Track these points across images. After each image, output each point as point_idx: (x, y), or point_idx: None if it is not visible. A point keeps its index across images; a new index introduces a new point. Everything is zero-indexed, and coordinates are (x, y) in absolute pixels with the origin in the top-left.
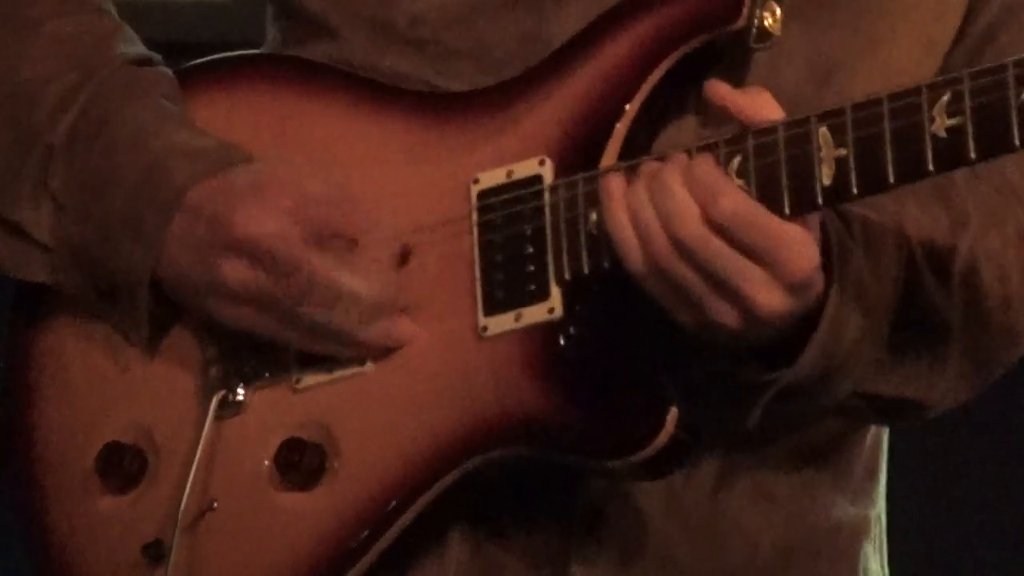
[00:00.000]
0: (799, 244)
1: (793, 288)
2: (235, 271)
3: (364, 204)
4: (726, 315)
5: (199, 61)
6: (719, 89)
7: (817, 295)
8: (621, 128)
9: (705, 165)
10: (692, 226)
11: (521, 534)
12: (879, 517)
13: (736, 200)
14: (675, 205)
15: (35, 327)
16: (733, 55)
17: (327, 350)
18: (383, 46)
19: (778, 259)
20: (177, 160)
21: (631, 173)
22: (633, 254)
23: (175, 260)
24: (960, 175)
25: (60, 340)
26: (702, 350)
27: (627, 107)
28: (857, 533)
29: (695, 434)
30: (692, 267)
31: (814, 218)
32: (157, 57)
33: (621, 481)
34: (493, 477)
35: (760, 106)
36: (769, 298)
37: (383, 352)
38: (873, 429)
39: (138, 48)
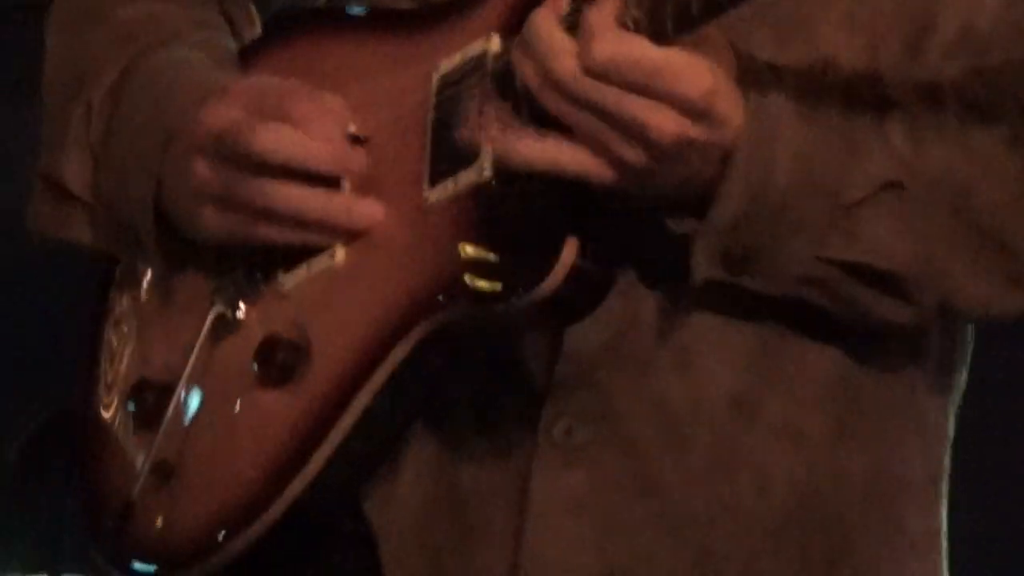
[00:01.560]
0: (684, 67)
1: (690, 112)
2: (203, 167)
3: (319, 91)
4: (630, 153)
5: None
6: None
7: (729, 133)
8: None
9: (595, 11)
10: (565, 66)
11: (486, 448)
12: (934, 479)
13: (609, 43)
14: (548, 46)
15: (99, 317)
16: None
17: (294, 238)
18: None
19: (663, 87)
20: (182, 96)
21: None
22: (532, 93)
23: (169, 183)
24: None
25: (114, 317)
26: (620, 200)
27: None
28: (899, 490)
29: (602, 269)
30: (580, 107)
31: (725, 54)
32: (214, 32)
33: (540, 327)
34: (447, 365)
35: None
36: (664, 122)
37: (349, 240)
38: (933, 382)
39: (193, 26)
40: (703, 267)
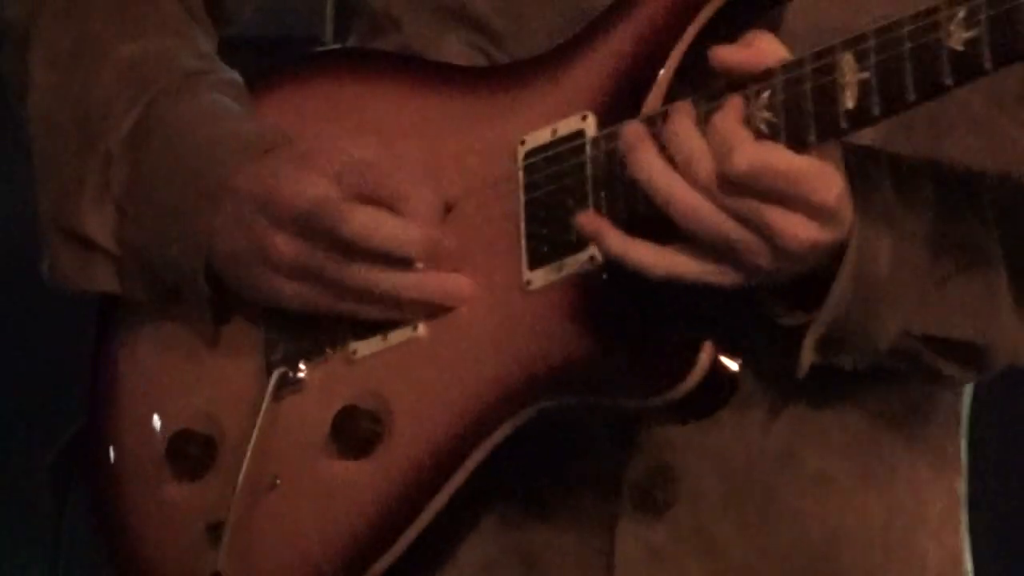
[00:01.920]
0: (820, 175)
1: (821, 216)
2: (284, 242)
3: (406, 163)
4: (759, 259)
5: (271, 63)
6: (717, 55)
7: (846, 229)
8: (663, 76)
9: (721, 116)
10: (704, 173)
11: (564, 511)
12: (952, 508)
13: (748, 153)
14: (688, 152)
15: (113, 338)
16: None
17: (379, 314)
18: (443, 31)
19: (801, 195)
20: (221, 149)
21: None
22: (659, 198)
23: (228, 245)
24: None
25: (135, 346)
26: (741, 295)
27: (669, 54)
28: (918, 525)
29: (733, 371)
30: (721, 213)
31: (834, 150)
32: (218, 64)
33: (666, 422)
34: (540, 442)
35: (762, 52)
36: (796, 231)
37: (433, 313)
38: (947, 412)
39: (200, 60)
40: (808, 357)
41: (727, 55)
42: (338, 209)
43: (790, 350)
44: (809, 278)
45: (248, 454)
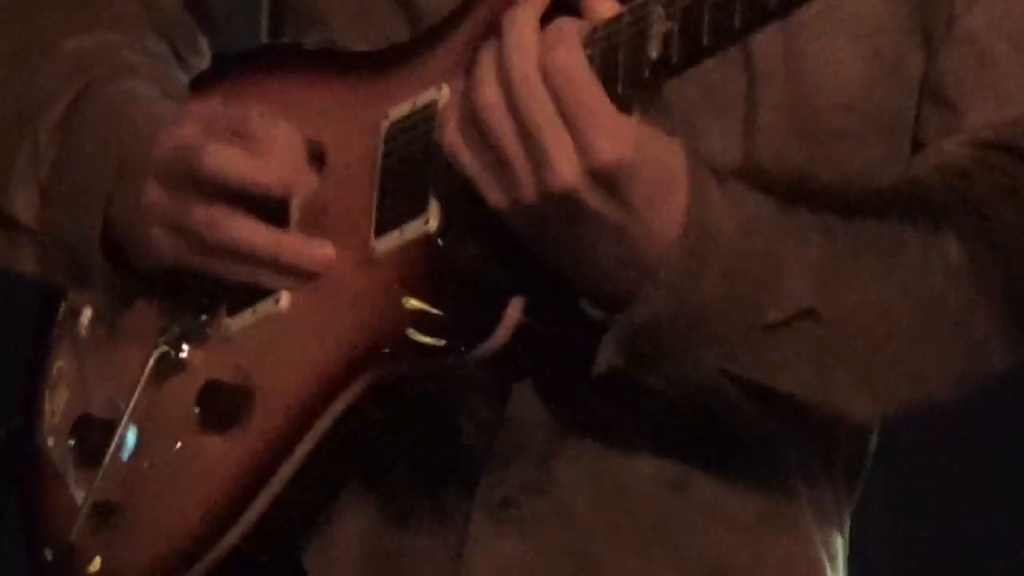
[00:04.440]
0: (610, 123)
1: (592, 171)
2: (153, 189)
3: (273, 115)
4: (525, 184)
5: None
6: None
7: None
8: None
9: (560, 20)
10: (527, 61)
11: (423, 512)
12: (838, 553)
13: (572, 55)
14: (518, 40)
15: (46, 336)
16: None
17: (245, 275)
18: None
19: (586, 128)
20: (137, 127)
21: None
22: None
23: (122, 208)
24: None
25: (61, 341)
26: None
27: None
28: (812, 569)
29: (548, 327)
30: (511, 118)
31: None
32: (165, 63)
33: (489, 386)
34: (404, 440)
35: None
36: (564, 167)
37: (295, 285)
38: (842, 462)
39: (144, 56)
40: (607, 358)
41: None
42: (195, 149)
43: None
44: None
45: (118, 432)
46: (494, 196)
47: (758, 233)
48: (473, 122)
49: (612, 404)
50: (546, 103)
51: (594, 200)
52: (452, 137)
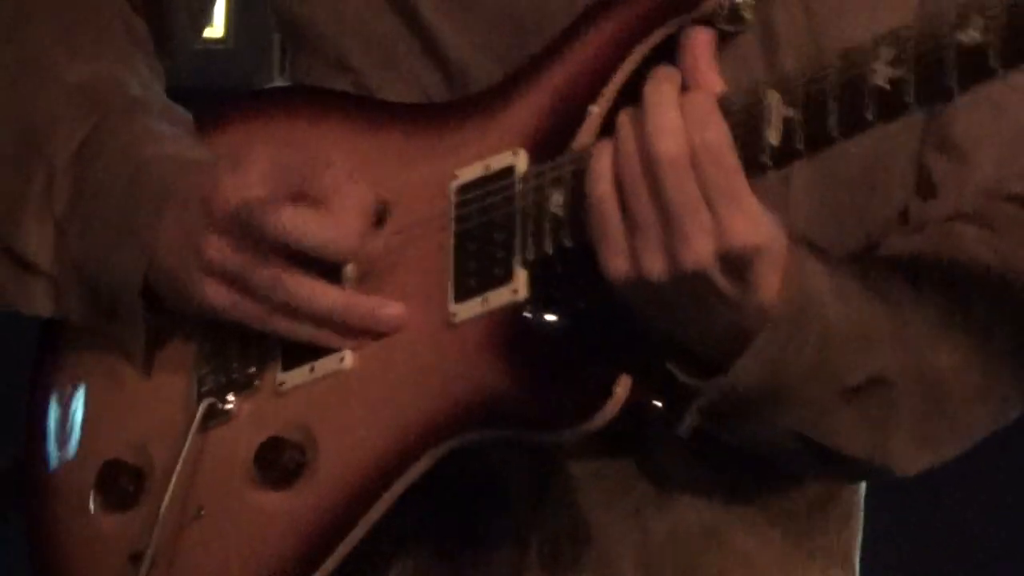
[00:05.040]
0: (750, 208)
1: (728, 257)
2: (216, 243)
3: (344, 167)
4: (655, 258)
5: (221, 100)
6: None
7: (768, 306)
8: (596, 112)
9: (701, 95)
10: (675, 142)
11: (472, 568)
12: None
13: (722, 137)
14: (667, 122)
15: (51, 367)
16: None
17: (307, 335)
18: (393, 65)
19: (727, 211)
20: (167, 164)
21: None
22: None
23: (166, 252)
24: None
25: (71, 375)
26: (653, 340)
27: (602, 91)
28: None
29: (649, 407)
30: (650, 192)
31: (776, 223)
32: (161, 93)
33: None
34: (453, 494)
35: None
36: (701, 246)
37: (360, 344)
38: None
39: (145, 89)
40: (692, 421)
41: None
42: (264, 207)
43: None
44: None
45: (171, 485)
46: (617, 262)
47: (846, 297)
48: (615, 188)
49: (665, 454)
50: (690, 181)
51: (722, 280)
52: (603, 192)
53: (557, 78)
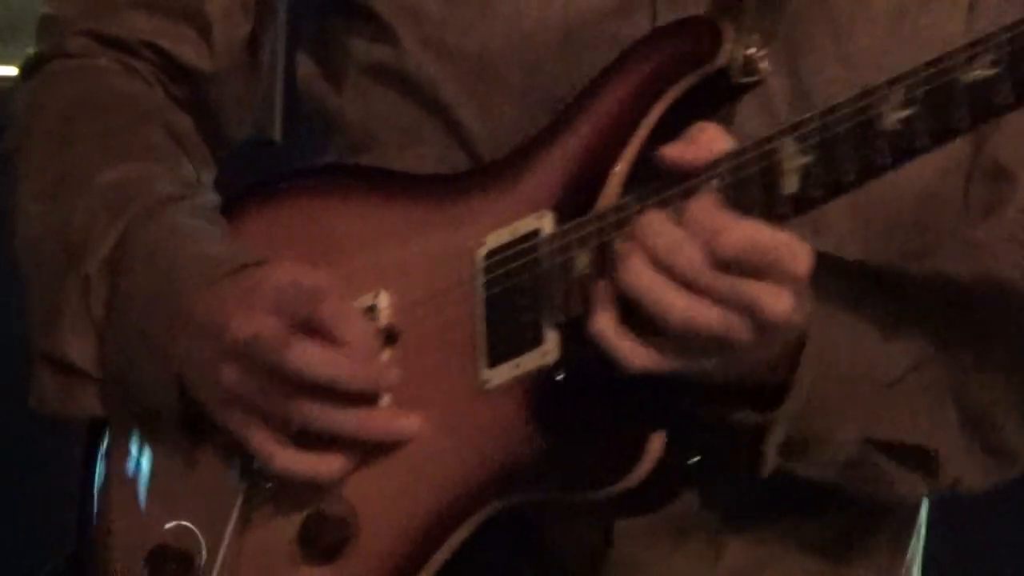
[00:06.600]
0: (795, 245)
1: (797, 286)
2: (230, 374)
3: (355, 282)
4: (741, 331)
5: (249, 185)
6: (664, 154)
7: (807, 313)
8: (618, 172)
9: (697, 204)
10: (688, 261)
11: None
12: None
13: (738, 231)
14: (670, 241)
15: (100, 461)
16: (725, 93)
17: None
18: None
19: (784, 268)
20: (184, 273)
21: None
22: (656, 308)
23: (190, 370)
24: None
25: (119, 466)
26: (691, 391)
27: (623, 151)
28: None
29: (683, 463)
30: (707, 301)
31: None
32: (201, 189)
33: (618, 516)
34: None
35: (707, 144)
36: (778, 301)
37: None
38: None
39: (179, 187)
40: (772, 459)
41: (673, 153)
42: (275, 345)
43: (739, 457)
44: (758, 388)
45: (216, 566)
46: (696, 363)
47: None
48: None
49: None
50: (736, 280)
51: (800, 310)
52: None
53: (578, 140)
